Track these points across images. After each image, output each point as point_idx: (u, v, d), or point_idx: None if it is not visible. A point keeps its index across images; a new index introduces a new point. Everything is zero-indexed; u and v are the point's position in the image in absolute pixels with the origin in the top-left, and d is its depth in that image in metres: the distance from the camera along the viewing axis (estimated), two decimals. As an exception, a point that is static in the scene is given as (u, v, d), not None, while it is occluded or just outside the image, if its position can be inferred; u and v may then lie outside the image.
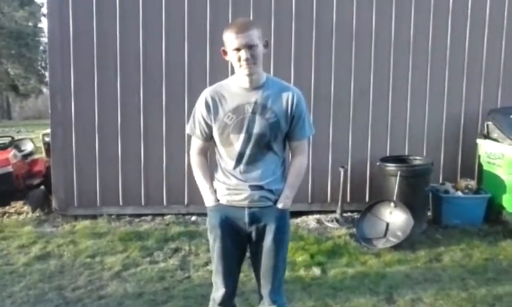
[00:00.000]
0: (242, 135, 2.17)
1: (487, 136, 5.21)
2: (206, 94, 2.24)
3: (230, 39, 2.11)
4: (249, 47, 2.09)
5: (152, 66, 5.31)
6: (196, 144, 2.33)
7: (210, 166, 2.34)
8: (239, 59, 2.11)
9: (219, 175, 2.28)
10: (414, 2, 5.40)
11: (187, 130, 2.34)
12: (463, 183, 5.21)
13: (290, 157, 2.35)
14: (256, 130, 2.16)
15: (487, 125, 5.23)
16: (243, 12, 5.07)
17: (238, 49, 2.10)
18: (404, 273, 3.89)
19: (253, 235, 2.26)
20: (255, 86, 2.19)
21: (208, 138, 2.29)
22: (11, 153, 5.94)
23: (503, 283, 3.69)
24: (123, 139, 5.36)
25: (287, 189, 2.26)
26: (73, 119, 5.31)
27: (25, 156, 6.34)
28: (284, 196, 2.25)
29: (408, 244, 4.40)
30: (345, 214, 5.33)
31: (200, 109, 2.25)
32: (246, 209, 2.22)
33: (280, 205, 2.24)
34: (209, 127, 2.25)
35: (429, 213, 5.26)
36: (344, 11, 5.35)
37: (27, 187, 6.01)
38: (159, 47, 5.29)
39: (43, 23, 30.00)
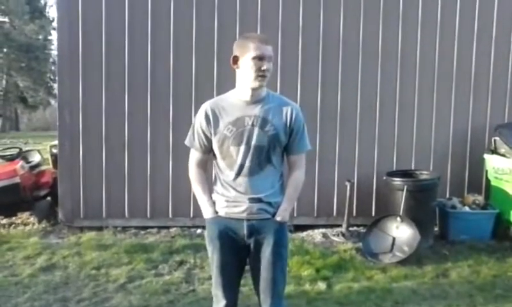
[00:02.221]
0: (242, 147, 2.19)
1: (494, 151, 5.18)
2: (206, 106, 2.26)
3: (252, 47, 2.13)
4: (270, 59, 2.16)
5: (160, 79, 5.36)
6: (194, 156, 2.35)
7: (209, 179, 2.34)
8: (258, 69, 2.13)
9: (218, 187, 2.29)
10: (420, 18, 5.42)
11: (186, 142, 2.35)
12: (470, 198, 5.18)
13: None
14: (255, 142, 2.18)
15: (494, 140, 5.20)
16: (250, 28, 5.09)
17: (260, 58, 2.13)
18: (411, 289, 3.85)
19: (252, 247, 2.26)
20: (255, 100, 2.22)
21: (207, 151, 2.31)
22: (18, 164, 5.98)
23: (511, 299, 3.64)
24: (130, 151, 5.39)
25: (285, 202, 2.28)
26: (81, 132, 5.36)
27: (33, 167, 6.37)
28: (282, 209, 2.26)
29: (414, 259, 4.37)
30: (351, 228, 5.30)
31: (199, 121, 2.27)
32: (245, 221, 2.22)
33: (278, 218, 2.25)
34: (208, 140, 2.26)
35: (436, 229, 5.21)
36: (350, 27, 5.38)
37: (33, 198, 6.04)
38: (167, 61, 5.34)
39: (53, 36, 30.40)
